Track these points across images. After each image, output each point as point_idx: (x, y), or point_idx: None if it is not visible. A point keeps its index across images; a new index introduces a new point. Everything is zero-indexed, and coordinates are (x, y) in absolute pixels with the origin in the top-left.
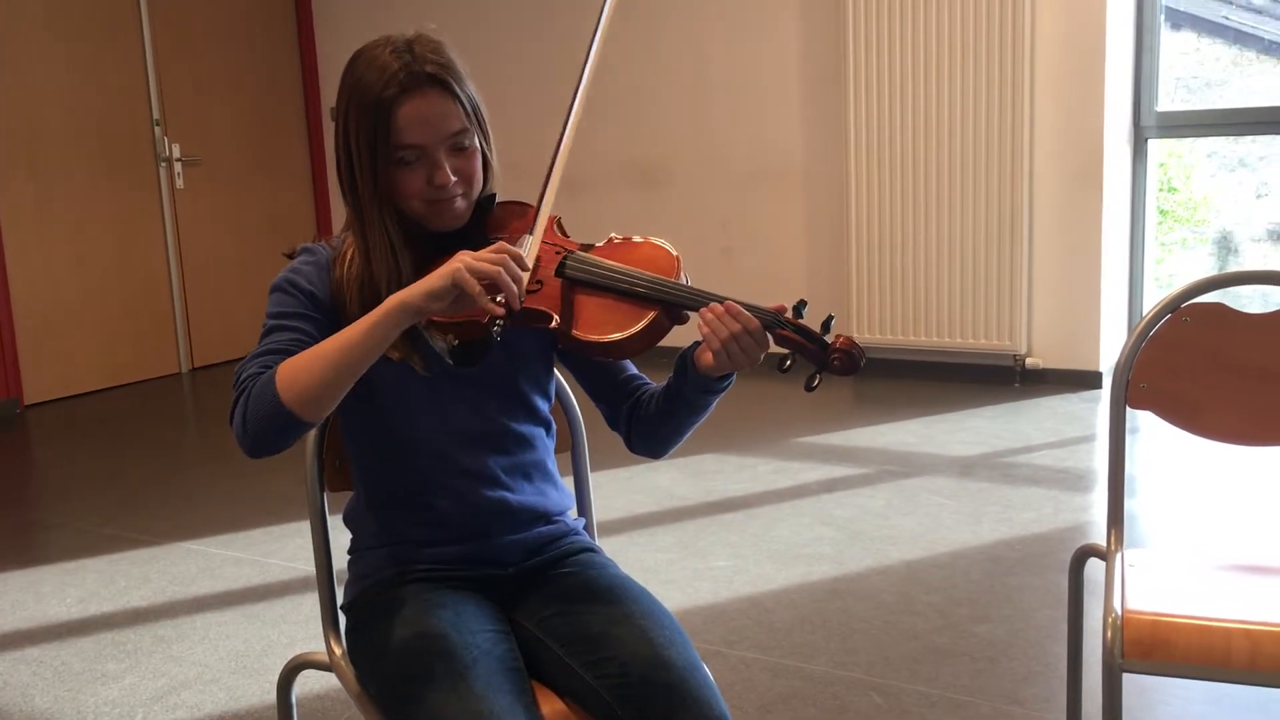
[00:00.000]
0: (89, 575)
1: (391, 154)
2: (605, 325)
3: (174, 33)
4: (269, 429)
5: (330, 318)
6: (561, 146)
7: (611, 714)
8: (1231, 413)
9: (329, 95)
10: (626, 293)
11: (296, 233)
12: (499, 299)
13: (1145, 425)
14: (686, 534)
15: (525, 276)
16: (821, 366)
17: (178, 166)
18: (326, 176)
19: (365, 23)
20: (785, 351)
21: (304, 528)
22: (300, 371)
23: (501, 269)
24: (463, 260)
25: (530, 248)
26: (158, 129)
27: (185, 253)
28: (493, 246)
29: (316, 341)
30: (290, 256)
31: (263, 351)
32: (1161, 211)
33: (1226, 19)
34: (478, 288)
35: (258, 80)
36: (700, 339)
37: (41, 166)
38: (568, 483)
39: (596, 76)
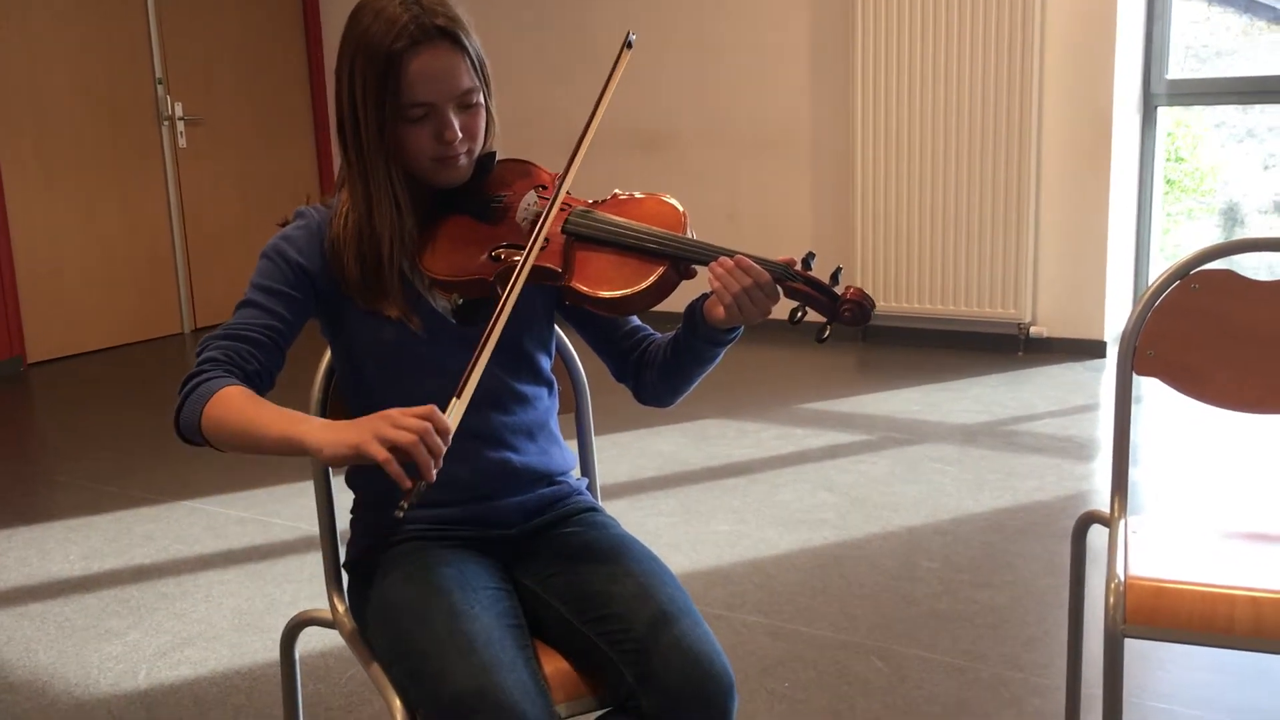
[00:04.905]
0: (93, 532)
1: (400, 110)
2: (614, 281)
3: None
4: (188, 436)
5: (320, 286)
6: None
7: (615, 671)
8: (1238, 380)
9: (332, 55)
10: (635, 248)
11: (299, 192)
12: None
13: (1149, 393)
14: (689, 498)
15: (444, 448)
16: (832, 317)
17: (180, 125)
18: (329, 136)
19: None
20: (796, 304)
21: (306, 488)
22: (218, 419)
23: (419, 441)
24: (376, 429)
25: (524, 266)
26: (160, 88)
27: (188, 212)
28: (420, 411)
29: (287, 326)
30: (282, 225)
31: (229, 334)
32: (1168, 181)
33: None
34: (384, 456)
35: (261, 39)
36: (708, 290)
37: (44, 125)
38: (571, 445)
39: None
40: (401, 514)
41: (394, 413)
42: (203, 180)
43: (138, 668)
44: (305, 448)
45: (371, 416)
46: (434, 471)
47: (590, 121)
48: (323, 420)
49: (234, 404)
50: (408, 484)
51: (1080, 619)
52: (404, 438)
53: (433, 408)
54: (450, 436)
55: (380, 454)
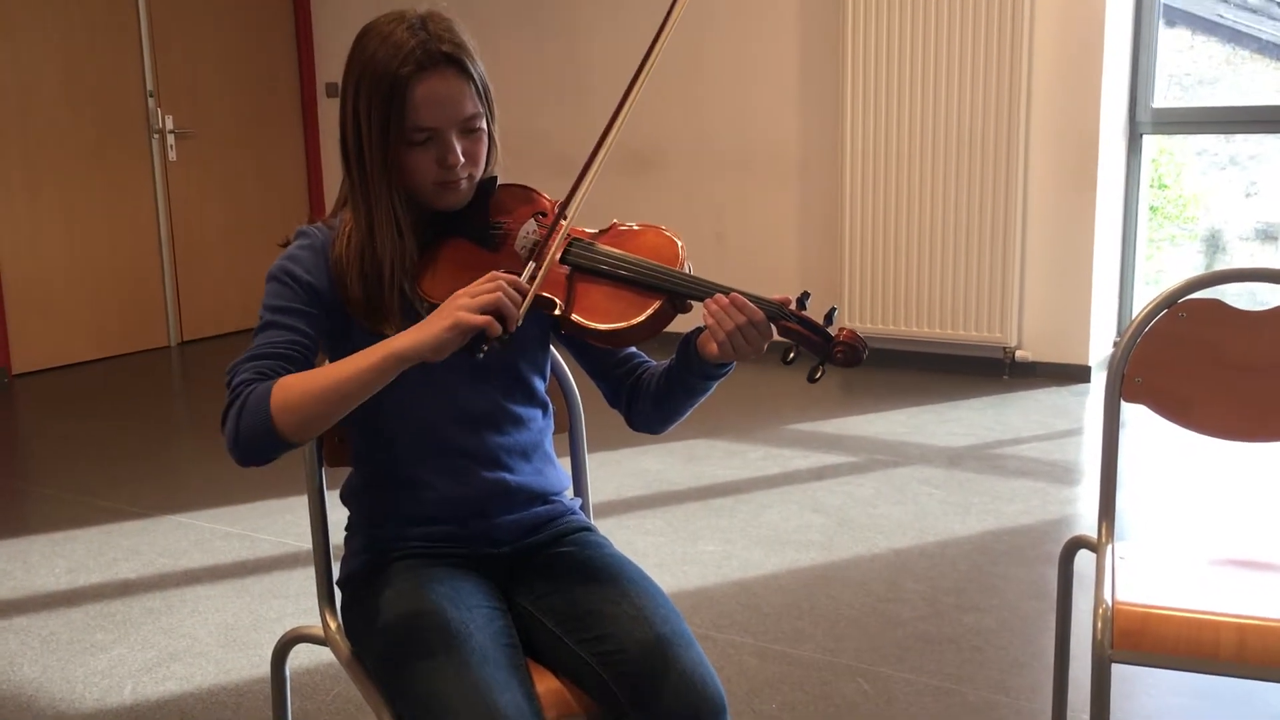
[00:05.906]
0: (78, 546)
1: (404, 134)
2: (610, 313)
3: (170, 4)
4: (259, 446)
5: (329, 304)
6: (592, 167)
7: (607, 691)
8: (1224, 408)
9: (324, 69)
10: (632, 281)
11: (289, 207)
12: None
13: (1133, 420)
14: (676, 518)
15: (525, 301)
16: (825, 358)
17: (171, 139)
18: (320, 151)
19: None
20: (789, 342)
21: (292, 503)
22: (294, 399)
23: (502, 296)
24: (459, 304)
25: (546, 262)
26: (151, 100)
27: (176, 226)
28: (486, 277)
29: (311, 340)
30: (284, 246)
31: (256, 354)
32: (1151, 208)
33: (1221, 17)
34: (483, 319)
35: (253, 53)
36: (703, 324)
37: (33, 135)
38: (564, 463)
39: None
40: (482, 356)
41: (464, 290)
42: (192, 193)
43: (123, 683)
44: (405, 357)
45: (444, 305)
46: (516, 322)
47: (615, 119)
48: (400, 333)
49: (299, 382)
50: (497, 331)
51: (1067, 643)
52: (488, 299)
53: (493, 272)
54: (524, 287)
55: (479, 319)
